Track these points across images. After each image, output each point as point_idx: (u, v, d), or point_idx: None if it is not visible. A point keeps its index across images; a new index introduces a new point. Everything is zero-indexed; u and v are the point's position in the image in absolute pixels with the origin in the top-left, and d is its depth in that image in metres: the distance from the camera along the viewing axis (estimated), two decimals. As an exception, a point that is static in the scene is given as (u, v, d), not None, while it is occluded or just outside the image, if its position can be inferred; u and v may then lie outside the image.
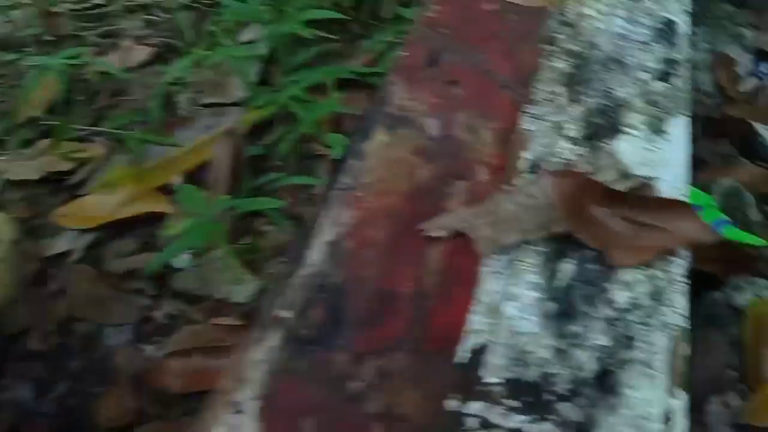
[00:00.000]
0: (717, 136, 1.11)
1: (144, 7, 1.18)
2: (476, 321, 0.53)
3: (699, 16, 1.22)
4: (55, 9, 1.17)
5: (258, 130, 1.01)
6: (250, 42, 1.10)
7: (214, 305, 0.82)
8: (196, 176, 0.94)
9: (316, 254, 0.57)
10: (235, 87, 1.06)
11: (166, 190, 0.92)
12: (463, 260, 0.57)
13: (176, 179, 0.93)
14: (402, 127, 0.69)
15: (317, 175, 0.94)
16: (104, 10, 1.19)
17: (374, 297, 0.54)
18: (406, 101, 0.72)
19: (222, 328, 0.79)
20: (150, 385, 0.76)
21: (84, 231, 0.88)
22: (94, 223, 0.88)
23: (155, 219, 0.89)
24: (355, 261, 0.57)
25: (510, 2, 0.82)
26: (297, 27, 0.98)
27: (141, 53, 1.11)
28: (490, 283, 0.56)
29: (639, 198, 0.62)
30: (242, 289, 0.83)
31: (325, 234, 0.59)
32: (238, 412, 0.47)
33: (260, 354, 0.50)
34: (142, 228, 0.89)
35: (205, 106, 1.04)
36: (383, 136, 0.67)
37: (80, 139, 0.99)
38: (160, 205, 0.90)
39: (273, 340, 0.51)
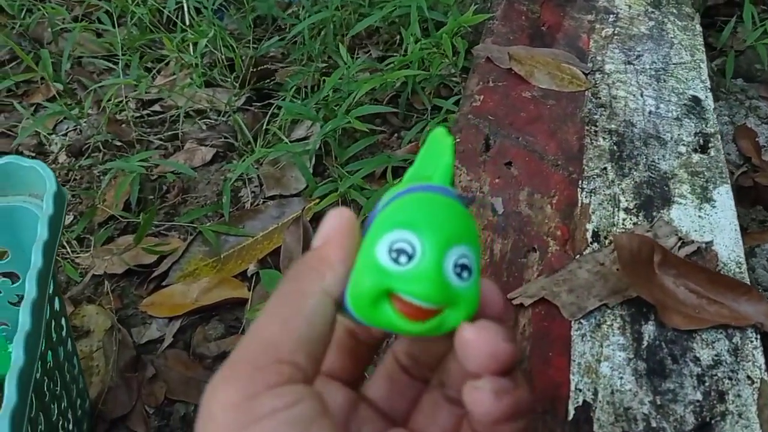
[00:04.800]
0: (752, 203, 1.19)
1: (201, 112, 1.29)
2: (577, 381, 0.60)
3: (714, 91, 1.32)
4: (120, 117, 1.27)
5: (320, 217, 1.09)
6: (303, 138, 1.20)
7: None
8: (268, 262, 1.02)
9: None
10: (294, 180, 1.14)
11: (243, 277, 1.00)
12: (551, 325, 0.64)
13: (251, 266, 1.00)
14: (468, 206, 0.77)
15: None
16: (164, 116, 1.29)
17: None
18: (468, 182, 0.80)
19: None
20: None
21: (171, 318, 0.95)
22: (181, 310, 0.95)
23: (236, 304, 0.96)
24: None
25: (546, 89, 0.91)
26: (349, 122, 1.07)
27: (204, 154, 1.20)
28: (581, 346, 0.63)
29: (703, 270, 0.68)
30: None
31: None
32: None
33: None
34: (225, 313, 0.96)
35: (269, 198, 1.12)
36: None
37: (156, 234, 1.07)
38: (239, 291, 0.97)
39: None
